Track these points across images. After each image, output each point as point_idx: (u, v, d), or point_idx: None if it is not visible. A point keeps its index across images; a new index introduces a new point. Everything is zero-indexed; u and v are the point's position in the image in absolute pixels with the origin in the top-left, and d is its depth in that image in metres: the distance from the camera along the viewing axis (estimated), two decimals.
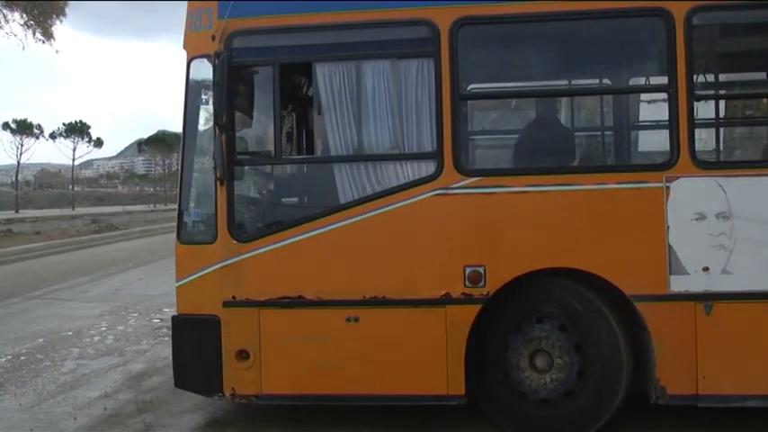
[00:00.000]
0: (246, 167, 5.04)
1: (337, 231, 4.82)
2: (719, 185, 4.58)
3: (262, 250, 4.87)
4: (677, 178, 4.59)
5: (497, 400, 4.91)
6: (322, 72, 4.92)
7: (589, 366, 4.74)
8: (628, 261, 4.66)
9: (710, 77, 5.56)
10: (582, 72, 5.47)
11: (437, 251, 4.76)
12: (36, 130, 52.41)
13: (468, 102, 4.78)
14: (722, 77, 5.76)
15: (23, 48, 18.92)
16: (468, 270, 4.71)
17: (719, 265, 4.58)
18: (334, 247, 4.83)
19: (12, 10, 19.17)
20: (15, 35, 19.46)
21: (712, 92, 5.56)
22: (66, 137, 62.13)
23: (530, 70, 5.26)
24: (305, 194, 5.26)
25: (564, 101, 5.69)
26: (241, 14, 4.89)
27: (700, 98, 4.73)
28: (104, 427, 5.31)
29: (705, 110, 5.29)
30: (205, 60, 4.91)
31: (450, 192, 4.73)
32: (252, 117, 5.02)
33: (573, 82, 5.39)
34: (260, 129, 5.22)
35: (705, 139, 5.26)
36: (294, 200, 5.28)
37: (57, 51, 20.28)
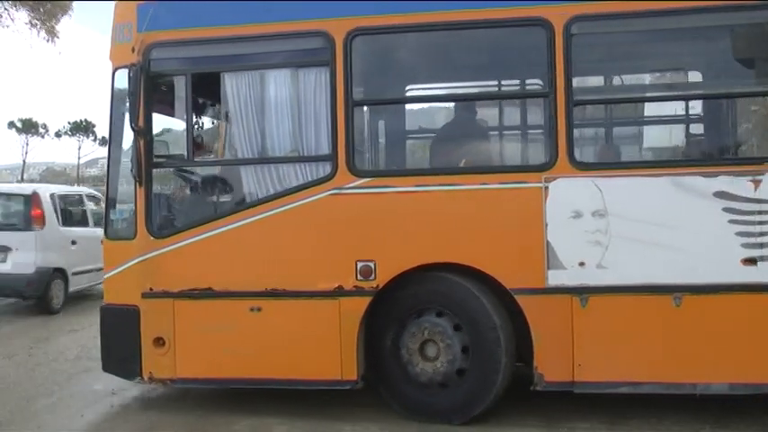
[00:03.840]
0: (163, 169, 5.30)
1: (242, 228, 4.96)
2: (595, 185, 4.61)
3: (175, 246, 5.03)
4: (555, 179, 4.62)
5: (393, 386, 4.99)
6: (230, 81, 5.04)
7: (473, 354, 4.79)
8: (508, 257, 4.71)
9: (588, 83, 5.65)
10: (467, 78, 5.60)
11: (332, 247, 4.86)
12: (41, 129, 51.60)
13: (361, 107, 4.96)
14: (599, 83, 5.83)
15: (30, 46, 19.30)
16: (359, 264, 4.82)
17: (595, 260, 4.61)
18: (240, 242, 4.95)
19: (17, 9, 19.16)
20: (20, 32, 19.63)
21: (590, 97, 5.60)
22: (72, 135, 59.62)
23: (418, 77, 5.39)
24: (215, 194, 5.36)
25: (450, 106, 5.82)
26: (158, 28, 5.06)
27: (577, 103, 4.74)
28: (111, 424, 5.19)
29: (582, 114, 5.37)
30: (127, 71, 5.18)
31: (343, 192, 4.83)
32: (168, 123, 5.30)
33: (459, 88, 5.54)
34: (176, 134, 5.47)
35: (582, 142, 5.33)
36: (205, 199, 5.39)
37: (59, 53, 20.55)
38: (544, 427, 4.77)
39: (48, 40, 19.69)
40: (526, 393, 4.87)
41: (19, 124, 48.37)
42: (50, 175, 57.59)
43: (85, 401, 5.66)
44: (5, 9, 18.93)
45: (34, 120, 49.20)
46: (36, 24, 19.46)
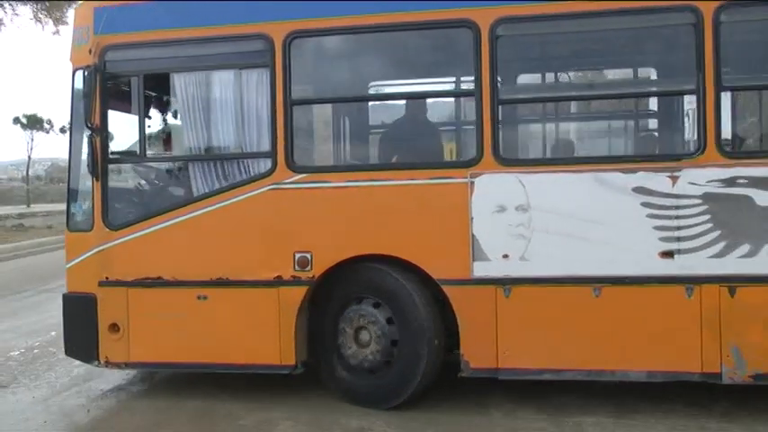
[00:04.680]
0: (118, 165, 5.55)
1: (190, 221, 5.18)
2: (519, 181, 4.77)
3: (129, 237, 5.28)
4: (481, 174, 4.79)
5: (331, 371, 5.22)
6: (178, 81, 5.27)
7: (401, 341, 4.99)
8: (436, 249, 4.88)
9: (514, 83, 5.79)
10: (400, 78, 5.76)
11: (272, 239, 5.07)
12: (46, 125, 51.22)
13: (299, 106, 5.19)
14: (525, 82, 5.96)
15: (38, 37, 19.45)
16: (297, 256, 5.05)
17: (518, 252, 4.77)
18: (188, 234, 5.19)
19: (23, 3, 19.32)
20: (25, 27, 19.88)
21: (514, 96, 5.74)
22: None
23: (353, 77, 5.58)
24: (165, 189, 5.63)
25: (383, 105, 6.02)
26: (112, 31, 5.30)
27: (502, 102, 4.88)
28: (117, 419, 5.19)
29: (507, 112, 5.51)
30: (86, 71, 5.48)
31: (282, 186, 5.05)
32: (122, 120, 5.57)
33: (393, 87, 5.73)
34: (130, 131, 5.75)
35: (507, 139, 5.47)
36: (156, 193, 5.65)
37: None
38: (549, 421, 4.81)
39: (55, 33, 19.87)
40: (532, 388, 5.10)
41: (24, 120, 47.59)
42: (55, 170, 56.87)
43: (91, 397, 5.69)
44: (10, 5, 19.21)
45: (39, 115, 48.70)
46: (41, 19, 19.61)
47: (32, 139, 48.07)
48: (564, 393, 5.16)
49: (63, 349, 5.73)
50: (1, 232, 22.32)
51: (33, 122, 47.81)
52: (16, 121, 48.26)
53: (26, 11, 19.70)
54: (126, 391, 5.82)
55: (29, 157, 50.04)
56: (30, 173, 52.21)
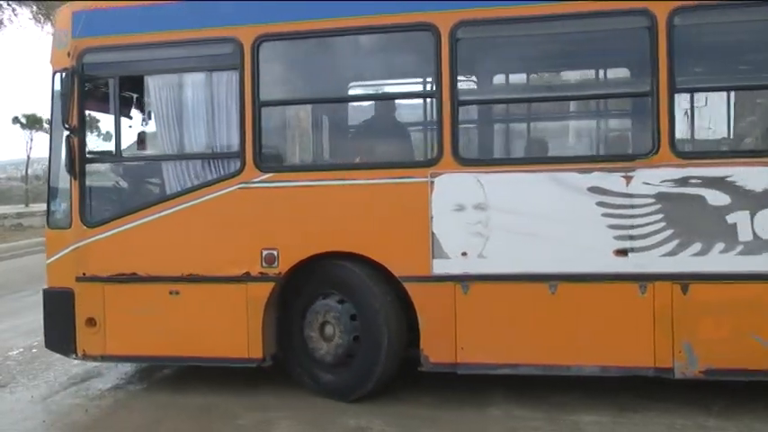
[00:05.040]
0: (95, 164, 5.71)
1: (163, 219, 5.34)
2: (478, 180, 4.89)
3: (105, 234, 5.45)
4: (440, 174, 4.92)
5: (300, 364, 5.38)
6: (152, 83, 5.44)
7: (362, 335, 5.13)
8: (397, 247, 5.01)
9: (473, 85, 5.91)
10: (366, 80, 5.90)
11: (241, 236, 5.21)
12: (45, 125, 51.32)
13: (267, 108, 5.34)
14: (484, 85, 6.08)
15: (38, 38, 19.66)
16: (264, 253, 5.20)
17: (476, 250, 4.89)
18: (161, 231, 5.35)
19: (21, 6, 19.49)
20: (25, 27, 20.09)
21: (474, 97, 5.85)
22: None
23: (320, 79, 5.69)
24: (139, 188, 5.81)
25: (349, 105, 6.15)
26: (89, 34, 5.45)
27: (462, 103, 5.00)
28: (116, 419, 5.17)
29: (467, 113, 5.63)
30: (64, 74, 5.66)
31: (250, 185, 5.19)
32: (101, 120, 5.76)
33: (357, 89, 5.87)
34: (106, 132, 5.94)
35: (466, 140, 5.60)
36: (131, 192, 5.82)
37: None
38: (547, 420, 4.82)
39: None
40: (531, 386, 5.19)
41: (23, 120, 47.52)
42: None
43: (89, 396, 5.69)
44: (9, 5, 19.42)
45: (38, 115, 48.59)
46: (40, 19, 19.76)
47: (32, 139, 47.80)
48: (562, 392, 5.21)
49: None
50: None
51: (32, 122, 47.48)
52: (15, 120, 48.19)
53: (25, 11, 19.92)
54: (124, 390, 5.84)
55: (28, 157, 49.78)
56: (29, 172, 52.30)
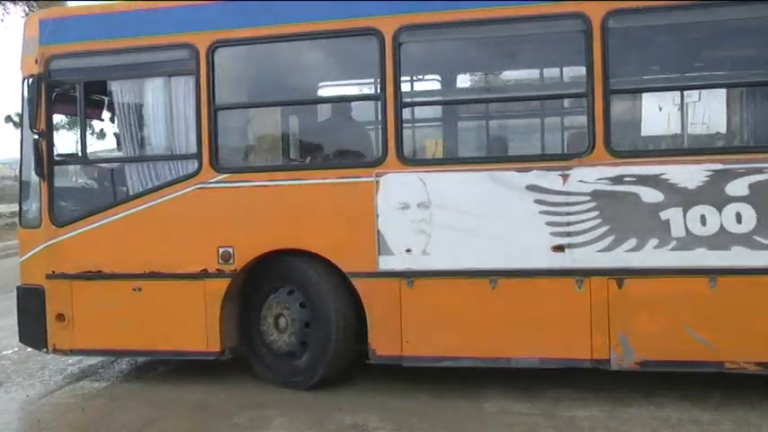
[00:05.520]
0: (63, 166, 5.96)
1: (126, 218, 5.57)
2: (420, 180, 5.07)
3: (72, 234, 5.69)
4: (385, 174, 5.11)
5: (258, 355, 5.62)
6: (115, 88, 5.70)
7: (313, 328, 5.36)
8: (345, 244, 5.21)
9: (417, 87, 6.08)
10: (315, 83, 6.07)
11: (199, 234, 5.43)
12: None
13: (222, 111, 5.54)
14: (426, 87, 6.25)
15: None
16: (221, 250, 5.41)
17: (420, 247, 5.07)
18: (124, 230, 5.58)
19: (15, 3, 19.72)
20: (16, 28, 20.08)
21: (417, 99, 6.02)
22: (69, 129, 59.39)
23: (273, 83, 5.89)
24: (104, 188, 6.03)
25: (301, 108, 6.35)
26: (55, 41, 5.68)
27: (405, 105, 5.17)
28: (113, 417, 5.16)
29: (411, 114, 5.80)
30: (29, 80, 5.86)
31: (207, 186, 5.40)
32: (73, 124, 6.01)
33: (307, 92, 6.06)
34: (74, 135, 6.19)
35: (410, 140, 5.77)
36: (96, 192, 6.07)
37: None
38: (543, 416, 4.83)
39: None
40: (527, 383, 5.30)
41: (16, 119, 48.09)
42: None
43: (85, 396, 5.70)
44: (1, 5, 19.59)
45: None
46: None
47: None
48: (558, 388, 5.26)
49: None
50: None
51: None
52: (8, 119, 48.72)
53: (18, 10, 20.14)
54: (120, 389, 5.85)
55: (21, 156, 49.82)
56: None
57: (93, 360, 6.62)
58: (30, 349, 6.89)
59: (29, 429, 5.04)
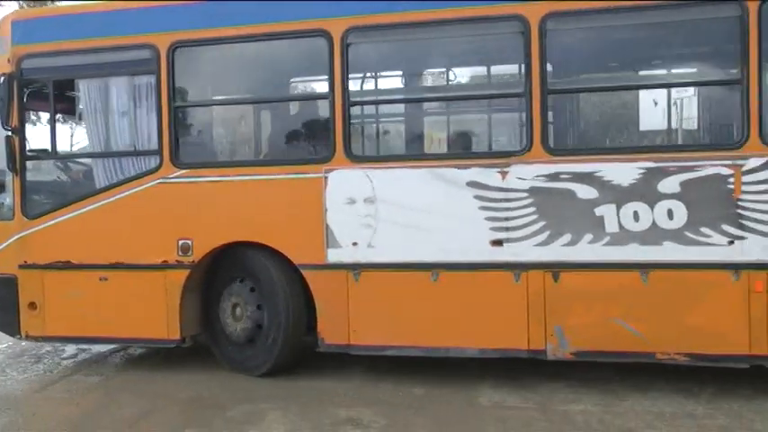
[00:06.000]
0: (34, 161, 6.30)
1: (93, 211, 5.85)
2: (367, 176, 5.29)
3: (43, 226, 5.98)
4: (333, 170, 5.34)
5: (218, 343, 5.91)
6: (82, 86, 5.97)
7: (266, 317, 5.62)
8: (296, 237, 5.45)
9: (363, 86, 6.28)
10: (269, 83, 6.26)
11: (160, 227, 5.69)
12: None
13: (181, 109, 5.74)
14: (373, 86, 6.45)
15: None
16: (180, 242, 5.68)
17: (366, 240, 5.30)
18: (91, 223, 5.85)
19: None
20: None
21: (364, 98, 6.21)
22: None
23: (229, 82, 6.15)
24: (73, 182, 6.33)
25: (255, 107, 6.58)
26: (27, 41, 5.95)
27: (353, 104, 5.39)
28: (107, 411, 5.19)
29: (358, 113, 6.00)
30: (3, 78, 6.13)
31: (168, 181, 5.67)
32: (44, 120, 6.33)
33: (262, 91, 6.29)
34: (45, 131, 6.47)
35: (357, 138, 5.97)
36: (65, 186, 6.35)
37: None
38: (537, 410, 4.88)
39: None
40: (521, 377, 5.43)
41: None
42: None
43: (79, 389, 5.75)
44: None
45: None
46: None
47: None
48: (552, 382, 5.35)
49: (51, 342, 6.35)
50: None
51: None
52: None
53: (13, 5, 20.48)
54: (114, 383, 5.90)
55: None
56: None
57: (88, 354, 6.75)
58: (24, 344, 7.11)
59: (24, 424, 5.07)
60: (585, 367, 5.29)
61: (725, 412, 4.72)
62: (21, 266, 6.13)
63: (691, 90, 5.74)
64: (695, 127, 5.84)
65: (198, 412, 5.10)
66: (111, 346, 6.87)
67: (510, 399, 5.13)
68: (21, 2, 20.21)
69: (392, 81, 6.64)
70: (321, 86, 5.46)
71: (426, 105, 6.83)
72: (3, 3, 19.73)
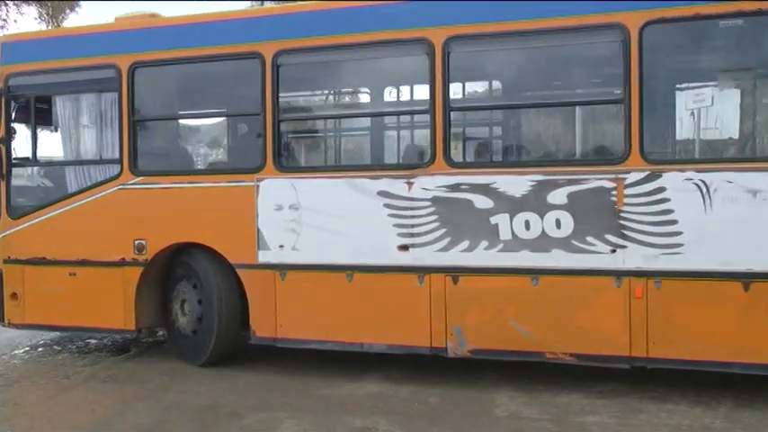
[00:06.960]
0: (18, 168, 7.18)
1: (64, 213, 6.64)
2: (292, 185, 5.89)
3: (24, 225, 6.80)
4: (264, 179, 5.96)
5: (172, 335, 6.62)
6: (58, 101, 6.81)
7: (204, 312, 6.27)
8: (232, 239, 6.09)
9: (291, 103, 6.85)
10: (213, 100, 6.97)
11: (120, 228, 6.42)
12: None
13: (140, 122, 6.48)
14: (300, 103, 7.01)
15: None
16: (136, 242, 6.39)
17: (291, 243, 5.89)
18: (63, 223, 6.64)
19: (28, 4, 20.94)
20: (29, 29, 20.70)
21: (292, 115, 6.74)
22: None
23: (180, 99, 6.87)
24: (50, 187, 7.18)
25: (202, 122, 7.26)
26: (13, 61, 6.83)
27: (282, 120, 5.98)
28: (123, 418, 5.19)
29: (287, 127, 6.56)
30: None
31: (126, 187, 6.40)
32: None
33: (207, 108, 6.99)
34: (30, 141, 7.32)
35: (286, 150, 6.53)
36: (43, 191, 7.20)
37: None
38: (553, 422, 4.85)
39: None
40: (537, 388, 5.54)
41: None
42: None
43: (96, 396, 5.80)
44: (15, 5, 20.87)
45: None
46: (46, 19, 21.17)
47: None
48: (568, 393, 5.38)
49: (67, 347, 6.97)
50: None
51: None
52: None
53: (32, 11, 21.57)
54: (130, 390, 5.89)
55: None
56: None
57: (104, 361, 6.83)
58: (41, 349, 7.43)
59: (40, 429, 5.14)
60: (603, 378, 5.47)
61: (742, 426, 4.67)
62: (5, 261, 6.99)
63: (578, 109, 6.12)
64: (581, 142, 6.22)
65: (213, 420, 5.11)
66: (129, 353, 7.11)
67: (526, 410, 5.12)
68: (40, 10, 21.21)
69: (316, 99, 7.25)
70: (255, 105, 6.07)
71: (347, 121, 7.42)
72: (23, 11, 20.77)
